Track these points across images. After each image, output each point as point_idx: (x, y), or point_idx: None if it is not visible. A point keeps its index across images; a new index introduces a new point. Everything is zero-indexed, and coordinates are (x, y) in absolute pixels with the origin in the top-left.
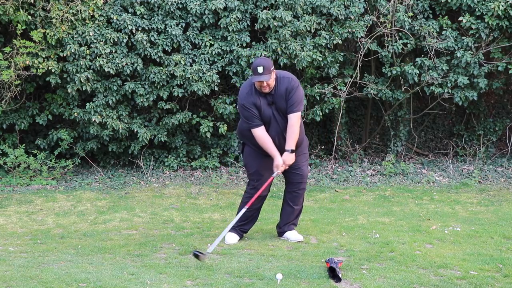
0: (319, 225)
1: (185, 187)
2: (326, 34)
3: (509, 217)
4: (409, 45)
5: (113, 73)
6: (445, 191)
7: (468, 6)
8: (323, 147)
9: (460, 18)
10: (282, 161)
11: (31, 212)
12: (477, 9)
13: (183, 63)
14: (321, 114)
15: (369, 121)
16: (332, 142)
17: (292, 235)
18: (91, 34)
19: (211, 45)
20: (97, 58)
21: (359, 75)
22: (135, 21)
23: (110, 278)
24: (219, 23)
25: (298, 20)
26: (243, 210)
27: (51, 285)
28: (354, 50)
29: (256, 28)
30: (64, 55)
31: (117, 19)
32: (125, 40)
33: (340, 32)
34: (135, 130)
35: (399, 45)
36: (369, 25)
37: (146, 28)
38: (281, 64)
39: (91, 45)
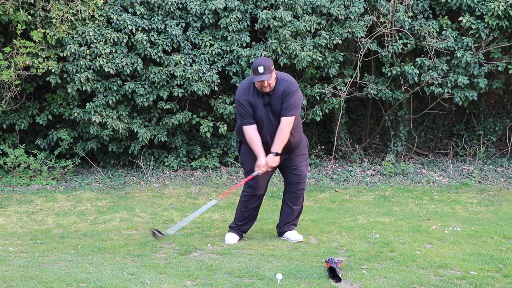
0: (319, 225)
1: (185, 187)
2: (326, 34)
3: (509, 217)
4: (409, 45)
5: (113, 73)
6: (445, 191)
7: (468, 6)
8: (323, 147)
9: (460, 18)
10: (265, 162)
11: (31, 212)
12: (477, 9)
13: (183, 63)
14: (321, 114)
15: (369, 121)
16: (332, 142)
17: (292, 235)
18: (91, 34)
19: (211, 45)
20: (97, 58)
21: (359, 75)
22: (135, 21)
23: (110, 278)
24: (219, 23)
25: (298, 20)
26: (213, 201)
27: (51, 285)
28: (354, 50)
29: (256, 28)
30: (64, 55)
31: (117, 19)
32: (125, 40)
33: (340, 32)
34: (135, 130)
35: (399, 45)
36: (369, 25)
37: (146, 28)
38: (281, 64)
39: (91, 45)
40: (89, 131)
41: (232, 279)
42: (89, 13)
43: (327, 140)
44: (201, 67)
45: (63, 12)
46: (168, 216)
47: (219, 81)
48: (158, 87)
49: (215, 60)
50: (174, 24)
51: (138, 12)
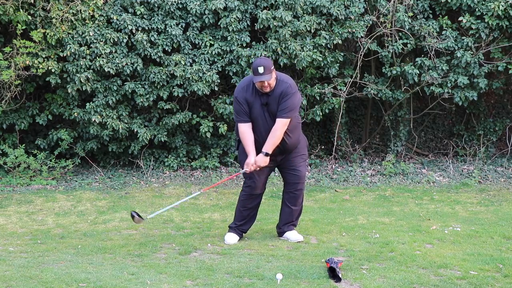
0: (319, 225)
1: (185, 187)
2: (326, 34)
3: (509, 217)
4: (409, 45)
5: (113, 73)
6: (445, 191)
7: (468, 6)
8: (323, 147)
9: (460, 18)
10: (254, 160)
11: (31, 212)
12: (477, 9)
13: (183, 63)
14: (321, 114)
15: (369, 121)
16: (332, 142)
17: (292, 235)
18: (91, 34)
19: (211, 45)
20: (97, 58)
21: (359, 75)
22: (135, 21)
23: (110, 278)
24: (219, 23)
25: (298, 20)
26: (196, 193)
27: (51, 285)
28: (354, 50)
29: (256, 28)
30: (64, 55)
31: (117, 19)
32: (125, 40)
33: (340, 32)
34: (135, 130)
35: (399, 45)
36: (369, 25)
37: (146, 28)
38: (281, 64)
39: (91, 45)
40: (89, 131)
41: (232, 279)
42: (89, 13)
43: (327, 140)
44: (201, 67)
45: (63, 12)
46: (168, 216)
47: (219, 81)
48: (158, 87)
49: (215, 60)
50: (174, 24)
51: (138, 12)
